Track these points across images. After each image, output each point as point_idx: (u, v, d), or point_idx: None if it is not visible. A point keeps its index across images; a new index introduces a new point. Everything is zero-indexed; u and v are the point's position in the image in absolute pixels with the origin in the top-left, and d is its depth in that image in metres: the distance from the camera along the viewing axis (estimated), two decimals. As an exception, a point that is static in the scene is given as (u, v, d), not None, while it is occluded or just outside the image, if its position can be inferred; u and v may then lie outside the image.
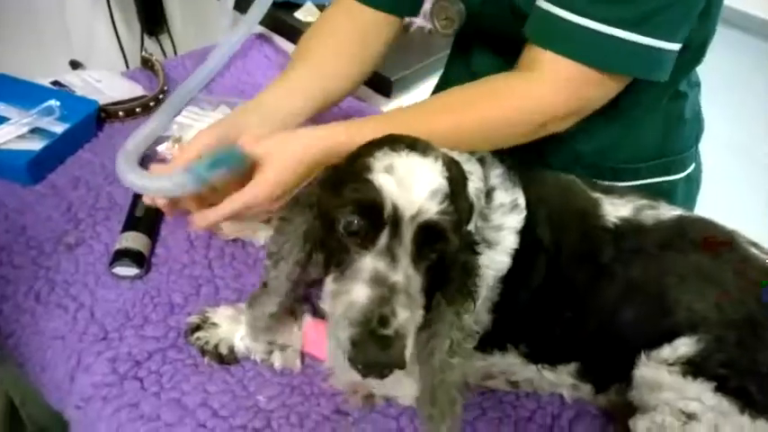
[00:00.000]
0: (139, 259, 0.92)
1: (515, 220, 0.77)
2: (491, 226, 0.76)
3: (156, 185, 0.83)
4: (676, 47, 0.78)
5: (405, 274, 0.63)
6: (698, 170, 1.09)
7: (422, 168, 0.65)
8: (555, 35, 0.79)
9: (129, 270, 0.91)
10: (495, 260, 0.76)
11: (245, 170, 0.81)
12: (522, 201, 0.78)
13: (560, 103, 0.81)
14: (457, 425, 0.69)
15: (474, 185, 0.75)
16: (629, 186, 0.99)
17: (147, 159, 1.14)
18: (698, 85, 1.04)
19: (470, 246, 0.71)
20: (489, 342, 0.80)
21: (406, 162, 0.65)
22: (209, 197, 0.84)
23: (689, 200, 1.09)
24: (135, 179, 0.84)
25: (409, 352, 0.61)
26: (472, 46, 1.07)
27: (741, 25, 1.53)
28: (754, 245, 0.81)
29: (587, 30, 0.75)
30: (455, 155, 0.75)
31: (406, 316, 0.61)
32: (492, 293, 0.77)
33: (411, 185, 0.63)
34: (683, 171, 1.05)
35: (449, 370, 0.68)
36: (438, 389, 0.68)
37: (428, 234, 0.63)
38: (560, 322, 0.79)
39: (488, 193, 0.77)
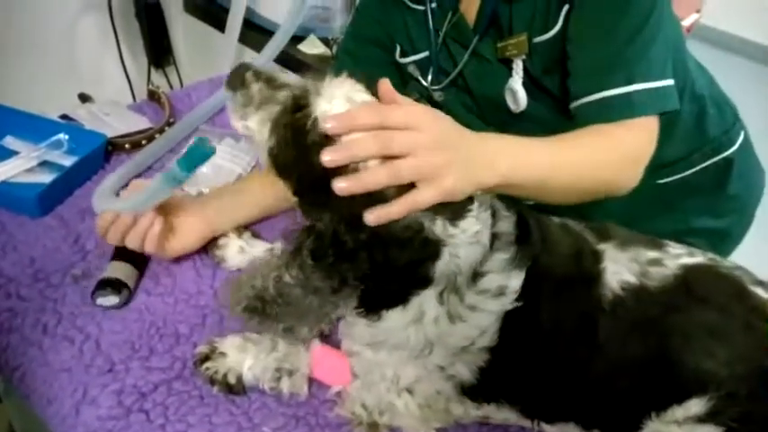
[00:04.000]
0: (120, 288, 0.92)
1: (497, 304, 0.75)
2: (465, 305, 0.74)
3: (126, 204, 0.90)
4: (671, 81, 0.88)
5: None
6: (749, 144, 1.13)
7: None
8: (619, 108, 0.86)
9: (108, 299, 0.91)
10: (464, 333, 0.75)
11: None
12: (514, 286, 0.75)
13: (647, 148, 0.87)
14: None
15: (450, 262, 0.73)
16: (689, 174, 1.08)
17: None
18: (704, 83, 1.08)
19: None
20: (481, 395, 0.79)
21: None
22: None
23: (749, 163, 1.14)
24: (113, 202, 0.93)
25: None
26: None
27: (741, 51, 1.57)
28: (761, 284, 0.79)
29: (625, 94, 0.85)
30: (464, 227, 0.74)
31: (254, 90, 0.75)
32: (475, 357, 0.76)
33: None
34: (730, 147, 1.09)
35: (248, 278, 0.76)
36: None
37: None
38: (554, 392, 0.78)
39: (474, 277, 0.75)
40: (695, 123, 1.06)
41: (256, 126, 0.76)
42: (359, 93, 0.72)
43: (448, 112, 1.02)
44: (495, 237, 0.77)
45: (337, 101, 0.70)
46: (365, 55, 1.08)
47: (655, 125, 0.87)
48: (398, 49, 1.07)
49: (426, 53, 1.03)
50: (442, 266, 0.73)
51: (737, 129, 1.10)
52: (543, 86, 0.96)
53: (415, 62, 1.06)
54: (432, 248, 0.72)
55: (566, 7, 0.89)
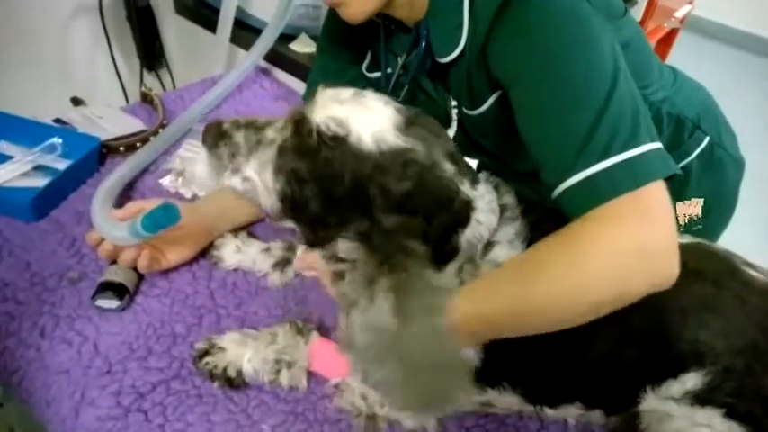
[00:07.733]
0: (120, 292, 0.92)
1: None
2: (479, 274, 0.75)
3: (110, 232, 0.89)
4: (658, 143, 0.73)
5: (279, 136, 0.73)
6: (714, 148, 1.05)
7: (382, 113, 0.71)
8: (601, 189, 0.68)
9: (110, 302, 0.92)
10: None
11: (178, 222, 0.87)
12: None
13: (659, 233, 0.67)
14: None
15: (475, 228, 0.74)
16: None
17: (146, 194, 1.16)
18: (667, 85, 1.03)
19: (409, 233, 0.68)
20: (484, 379, 0.80)
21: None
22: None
23: (713, 169, 1.06)
24: (100, 222, 0.91)
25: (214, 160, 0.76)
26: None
27: (733, 41, 1.58)
28: (750, 265, 0.80)
29: (606, 169, 0.69)
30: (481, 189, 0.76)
31: (239, 139, 0.74)
32: None
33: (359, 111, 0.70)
34: (685, 158, 1.04)
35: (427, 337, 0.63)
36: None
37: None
38: (557, 368, 0.78)
39: (488, 245, 0.76)
40: None
41: (255, 174, 0.74)
42: (344, 92, 0.72)
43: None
44: (503, 208, 0.79)
45: (331, 107, 0.70)
46: (342, 52, 1.07)
47: (655, 196, 0.68)
48: (368, 57, 1.05)
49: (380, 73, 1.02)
50: (468, 234, 0.74)
51: (697, 137, 1.04)
52: (478, 143, 0.95)
53: (372, 80, 1.05)
54: (465, 211, 0.73)
55: (498, 93, 0.84)
